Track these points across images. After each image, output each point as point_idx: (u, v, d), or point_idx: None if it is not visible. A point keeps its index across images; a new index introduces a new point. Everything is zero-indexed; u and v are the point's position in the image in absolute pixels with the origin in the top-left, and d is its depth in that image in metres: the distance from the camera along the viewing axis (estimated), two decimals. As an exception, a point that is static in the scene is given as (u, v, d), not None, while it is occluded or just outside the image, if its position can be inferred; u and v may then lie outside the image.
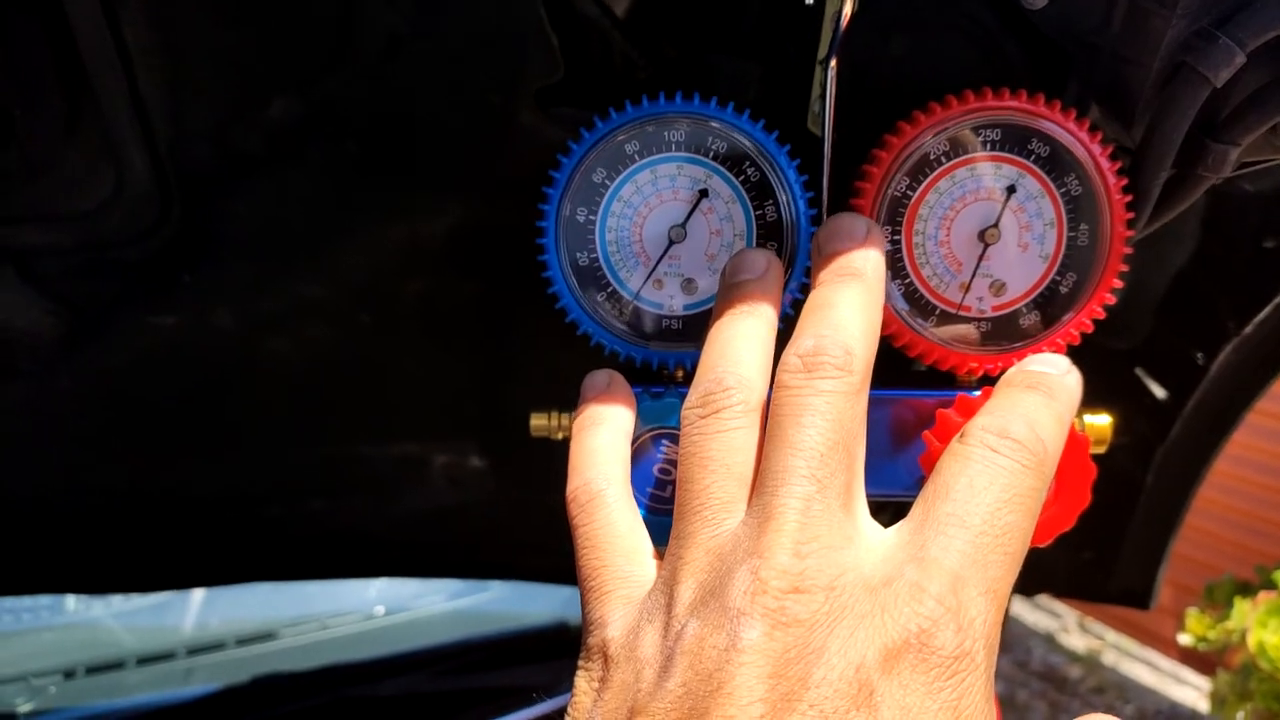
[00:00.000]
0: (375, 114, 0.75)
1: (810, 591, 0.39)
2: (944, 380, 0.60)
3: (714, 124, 0.56)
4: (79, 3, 0.65)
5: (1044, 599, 4.09)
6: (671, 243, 0.57)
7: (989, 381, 0.58)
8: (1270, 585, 2.64)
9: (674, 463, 0.55)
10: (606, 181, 0.56)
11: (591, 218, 0.57)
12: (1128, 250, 0.56)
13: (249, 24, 0.69)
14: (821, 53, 0.60)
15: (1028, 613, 4.56)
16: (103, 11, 0.66)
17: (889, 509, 0.55)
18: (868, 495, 0.58)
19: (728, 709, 0.37)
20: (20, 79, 0.69)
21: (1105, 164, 0.54)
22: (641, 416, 0.57)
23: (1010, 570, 0.41)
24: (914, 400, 0.59)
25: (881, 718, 0.37)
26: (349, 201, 0.82)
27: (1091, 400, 0.97)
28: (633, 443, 0.56)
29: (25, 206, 0.77)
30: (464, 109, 0.75)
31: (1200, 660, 3.53)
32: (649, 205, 0.57)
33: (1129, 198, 0.55)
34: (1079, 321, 0.57)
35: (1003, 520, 0.41)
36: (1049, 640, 4.48)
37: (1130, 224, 0.56)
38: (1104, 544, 1.23)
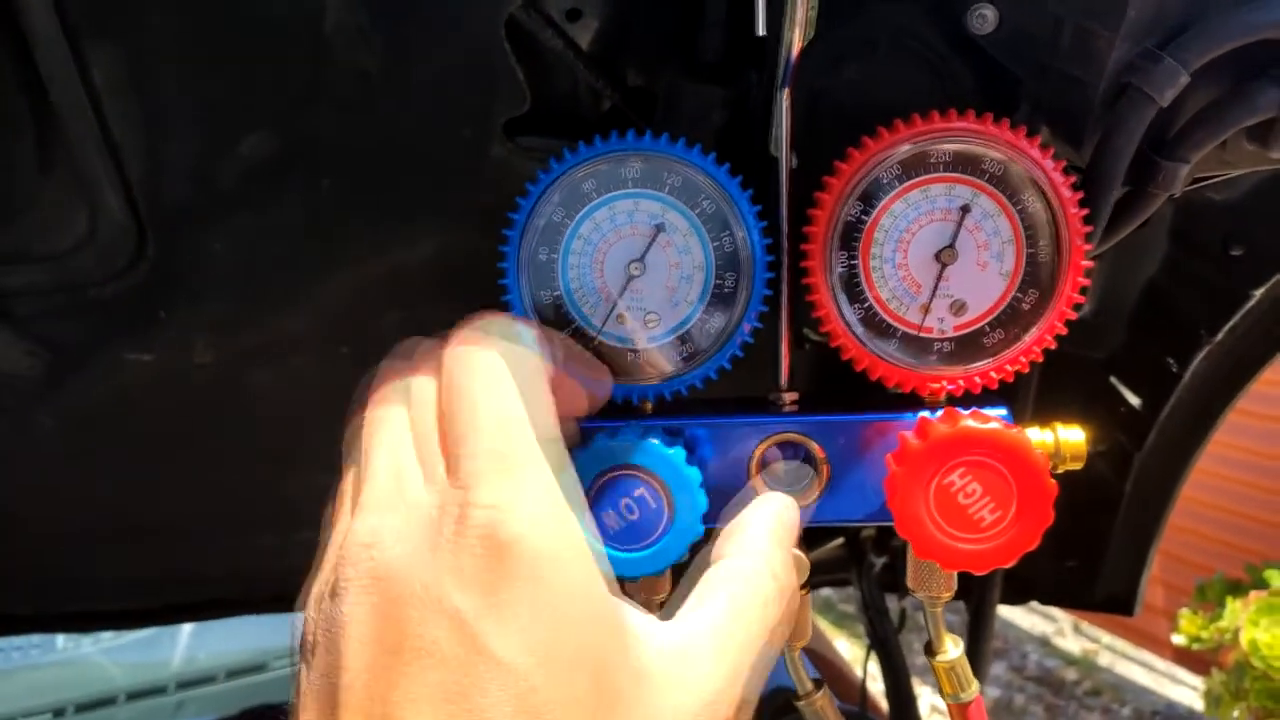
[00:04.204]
0: (349, 149, 0.76)
1: None
2: (911, 401, 0.60)
3: (667, 159, 0.56)
4: (46, 44, 0.65)
5: (1038, 604, 4.10)
6: (631, 277, 0.57)
7: (954, 402, 0.59)
8: (1261, 584, 2.65)
9: (636, 500, 0.54)
10: (566, 220, 0.56)
11: (553, 256, 0.57)
12: (1088, 264, 0.56)
13: (220, 63, 0.69)
14: (778, 80, 0.61)
15: (1022, 617, 4.55)
16: (71, 53, 0.66)
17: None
18: (832, 522, 0.59)
19: None
20: None
21: (1059, 179, 0.55)
22: (600, 457, 0.55)
23: None
24: (878, 423, 0.59)
25: None
26: (325, 235, 0.82)
27: (1069, 410, 0.98)
28: (593, 484, 0.55)
29: (0, 249, 0.77)
30: (436, 142, 0.75)
31: (1195, 660, 3.52)
32: (608, 241, 0.56)
33: (1086, 211, 0.55)
34: (1041, 338, 0.57)
35: None
36: (1044, 644, 4.48)
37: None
38: (1087, 552, 1.23)
